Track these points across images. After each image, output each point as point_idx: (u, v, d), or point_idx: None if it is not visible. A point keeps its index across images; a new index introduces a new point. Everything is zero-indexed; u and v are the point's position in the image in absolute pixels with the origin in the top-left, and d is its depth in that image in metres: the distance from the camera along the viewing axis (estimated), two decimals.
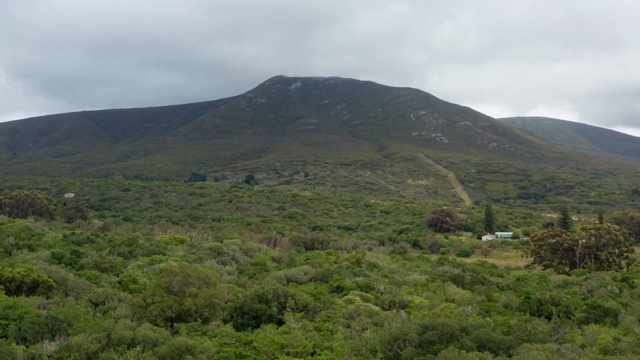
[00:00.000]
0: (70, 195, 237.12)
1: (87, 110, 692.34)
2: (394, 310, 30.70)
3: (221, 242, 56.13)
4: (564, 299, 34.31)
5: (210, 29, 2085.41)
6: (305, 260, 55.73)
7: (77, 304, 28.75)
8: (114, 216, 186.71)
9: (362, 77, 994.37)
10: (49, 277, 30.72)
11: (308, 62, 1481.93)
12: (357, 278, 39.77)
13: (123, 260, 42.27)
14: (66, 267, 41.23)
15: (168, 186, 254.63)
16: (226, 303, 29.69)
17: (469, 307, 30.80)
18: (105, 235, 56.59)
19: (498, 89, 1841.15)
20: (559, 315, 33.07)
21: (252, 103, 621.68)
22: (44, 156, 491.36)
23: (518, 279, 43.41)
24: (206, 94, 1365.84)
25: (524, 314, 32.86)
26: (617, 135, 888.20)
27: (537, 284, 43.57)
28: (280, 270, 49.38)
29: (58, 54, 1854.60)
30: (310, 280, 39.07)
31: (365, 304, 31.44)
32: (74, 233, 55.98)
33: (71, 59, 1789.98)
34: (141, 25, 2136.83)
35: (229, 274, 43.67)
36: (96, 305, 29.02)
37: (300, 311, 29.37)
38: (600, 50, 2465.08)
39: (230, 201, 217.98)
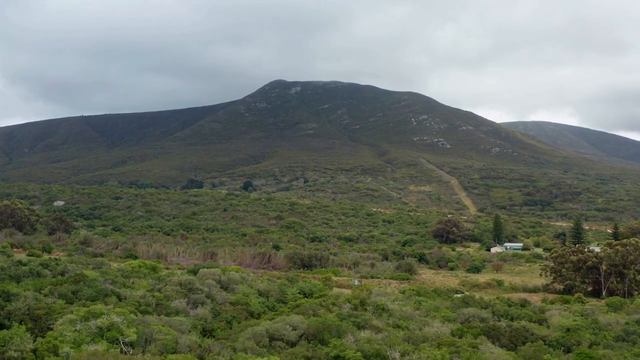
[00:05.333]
0: (59, 203, 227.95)
1: (84, 115, 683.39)
2: None
3: (195, 273, 46.93)
4: None
5: (209, 32, 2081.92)
6: (298, 293, 46.50)
7: None
8: (104, 226, 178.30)
9: (363, 81, 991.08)
10: None
11: (308, 66, 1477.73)
12: (362, 333, 30.61)
13: (64, 303, 33.11)
14: None
15: (161, 194, 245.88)
16: None
17: None
18: (58, 264, 47.41)
19: (499, 93, 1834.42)
20: None
21: (251, 108, 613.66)
22: (39, 162, 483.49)
23: (568, 330, 34.38)
24: (205, 99, 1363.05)
25: None
26: (620, 139, 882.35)
27: (592, 334, 34.55)
28: (265, 310, 40.19)
29: (56, 58, 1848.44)
30: (301, 337, 29.89)
31: None
32: (20, 262, 46.72)
33: (69, 64, 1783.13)
34: (140, 29, 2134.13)
35: (199, 320, 34.47)
36: None
37: None
38: (602, 54, 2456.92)
39: (225, 210, 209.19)
